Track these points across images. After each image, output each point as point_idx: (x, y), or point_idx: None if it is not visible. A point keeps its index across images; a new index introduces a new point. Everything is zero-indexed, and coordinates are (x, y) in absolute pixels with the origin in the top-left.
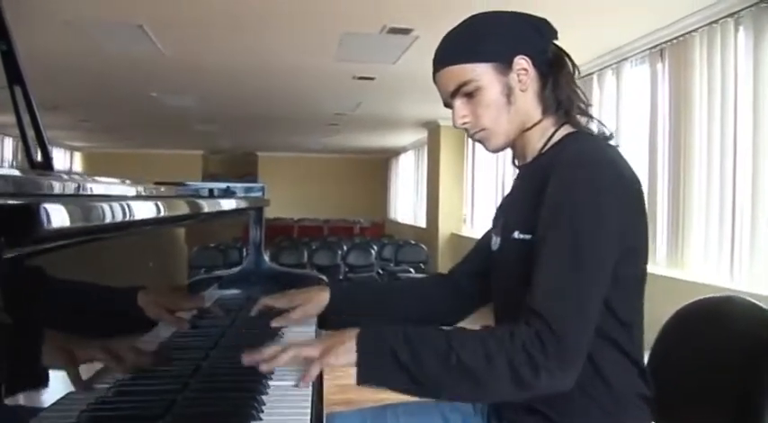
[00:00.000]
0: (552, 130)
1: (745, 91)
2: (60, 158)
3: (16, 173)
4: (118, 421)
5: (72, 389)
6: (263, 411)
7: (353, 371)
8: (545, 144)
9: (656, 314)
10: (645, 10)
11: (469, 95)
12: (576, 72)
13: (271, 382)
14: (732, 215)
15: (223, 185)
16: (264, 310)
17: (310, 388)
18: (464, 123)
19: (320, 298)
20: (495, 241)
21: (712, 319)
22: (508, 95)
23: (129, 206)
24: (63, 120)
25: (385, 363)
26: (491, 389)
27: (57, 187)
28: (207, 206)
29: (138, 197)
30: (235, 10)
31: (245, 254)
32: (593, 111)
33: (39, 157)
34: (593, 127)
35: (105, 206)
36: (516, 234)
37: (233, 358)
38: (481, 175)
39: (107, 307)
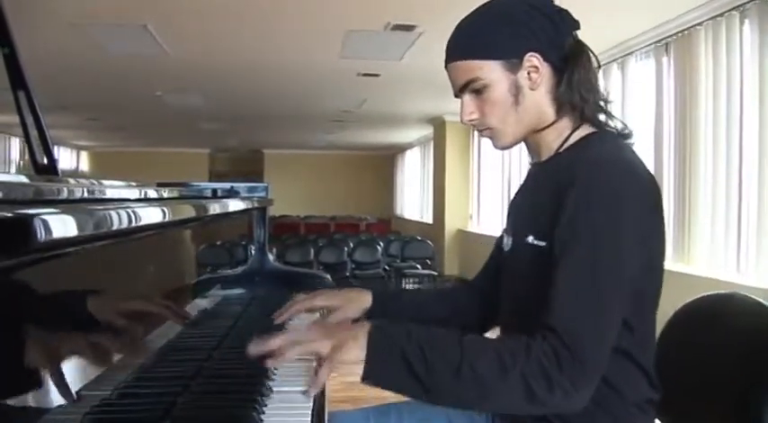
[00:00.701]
0: (569, 130)
1: (750, 84)
2: (67, 158)
3: (22, 179)
4: None
5: (75, 391)
6: (263, 413)
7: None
8: (562, 144)
9: (663, 309)
10: (649, 3)
11: (478, 92)
12: (597, 65)
13: (273, 384)
14: (738, 209)
15: (227, 185)
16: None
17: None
18: (471, 120)
19: (361, 301)
20: (507, 242)
21: (714, 316)
22: (516, 94)
23: (131, 213)
24: (69, 120)
25: (393, 363)
26: (501, 402)
27: (60, 193)
28: (210, 208)
29: (141, 200)
30: (239, 9)
31: (250, 253)
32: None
33: (44, 160)
34: (613, 122)
35: (106, 214)
36: (530, 239)
37: (235, 359)
38: (487, 171)
39: (111, 309)
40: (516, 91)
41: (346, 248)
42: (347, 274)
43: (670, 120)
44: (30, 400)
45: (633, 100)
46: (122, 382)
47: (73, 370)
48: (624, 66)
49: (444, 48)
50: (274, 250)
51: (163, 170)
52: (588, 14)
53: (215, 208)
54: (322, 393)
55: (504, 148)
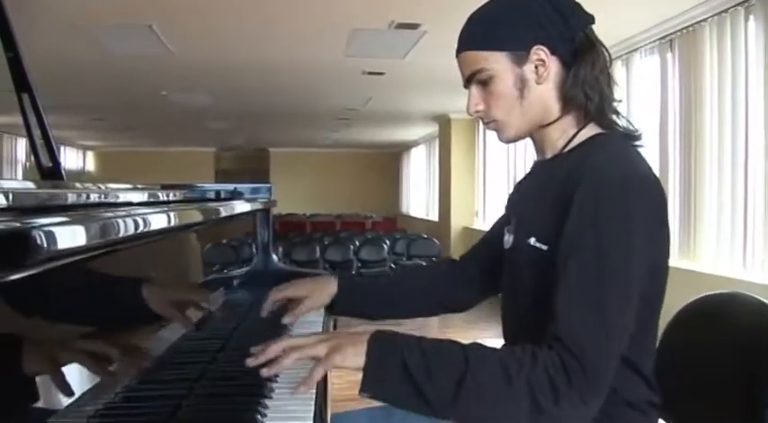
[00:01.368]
0: (574, 129)
1: (756, 80)
2: (73, 158)
3: (28, 185)
4: None
5: (79, 394)
6: (266, 416)
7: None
8: (566, 144)
9: (668, 306)
10: (653, 0)
11: (484, 83)
12: (608, 61)
13: (275, 386)
14: (744, 206)
15: (230, 187)
16: (275, 310)
17: (314, 389)
18: (476, 112)
19: (327, 288)
20: (508, 240)
21: (716, 316)
22: (521, 88)
23: (136, 221)
24: (75, 120)
25: (393, 372)
26: (506, 414)
27: (65, 200)
28: (213, 212)
29: (145, 204)
30: (243, 8)
31: (254, 253)
32: None
33: (48, 163)
34: (620, 121)
35: (110, 223)
36: (533, 241)
37: (240, 361)
38: (493, 168)
39: (115, 312)
40: (522, 84)
41: (352, 247)
42: (353, 272)
43: (675, 116)
44: (33, 404)
45: (638, 97)
46: (126, 385)
47: (77, 373)
48: (629, 63)
49: (448, 46)
50: (280, 249)
51: (169, 169)
52: (592, 11)
53: (219, 211)
54: (324, 395)
55: (508, 142)
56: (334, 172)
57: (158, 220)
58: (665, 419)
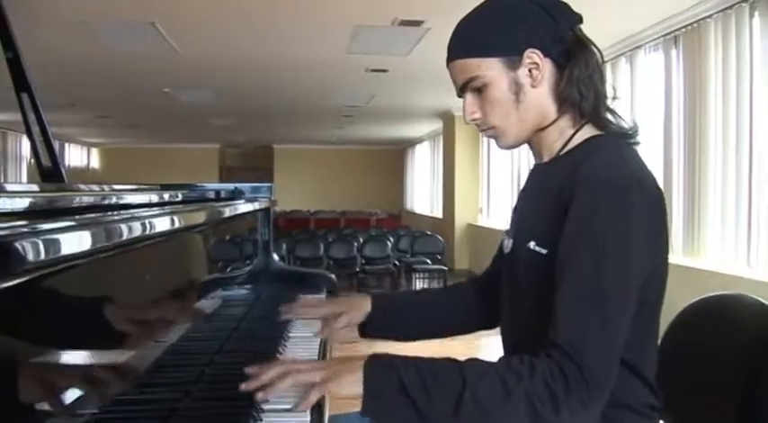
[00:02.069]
0: (571, 130)
1: (760, 77)
2: (78, 155)
3: (33, 188)
4: None
5: (73, 399)
6: (261, 420)
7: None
8: (564, 146)
9: (672, 305)
10: None
11: (479, 91)
12: (601, 60)
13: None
14: (748, 203)
15: (231, 186)
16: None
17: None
18: (473, 119)
19: (362, 307)
20: (508, 244)
21: (717, 317)
22: (516, 93)
23: (133, 225)
24: (79, 117)
25: (391, 395)
26: None
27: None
28: (212, 214)
29: (144, 206)
30: (245, 5)
31: (255, 253)
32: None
33: (49, 163)
34: (616, 120)
35: (103, 229)
36: (532, 244)
37: (236, 365)
38: (497, 165)
39: (117, 317)
40: (517, 89)
41: (356, 244)
42: (357, 269)
43: (679, 113)
44: (29, 408)
45: (642, 93)
46: (121, 389)
47: (70, 378)
48: (633, 59)
49: None
50: (284, 246)
51: (173, 166)
52: (596, 8)
53: (219, 214)
54: (320, 401)
55: (508, 148)
56: (338, 169)
57: (164, 223)
58: (665, 421)
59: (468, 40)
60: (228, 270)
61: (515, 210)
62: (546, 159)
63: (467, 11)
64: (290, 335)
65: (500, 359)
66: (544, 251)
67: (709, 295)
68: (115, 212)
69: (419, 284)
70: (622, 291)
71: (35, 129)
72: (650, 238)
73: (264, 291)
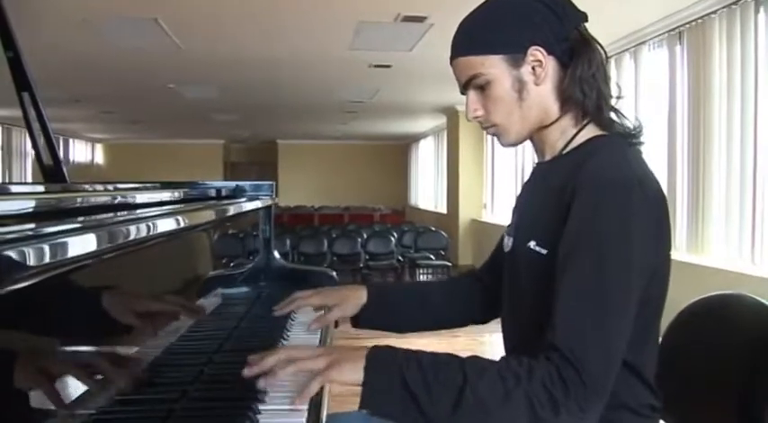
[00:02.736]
0: (573, 129)
1: (765, 73)
2: (82, 151)
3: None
4: None
5: (72, 399)
6: (257, 421)
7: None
8: (566, 145)
9: (677, 302)
10: None
11: (481, 88)
12: (604, 59)
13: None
14: (753, 200)
15: (232, 184)
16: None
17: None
18: (476, 117)
19: (357, 297)
20: (508, 243)
21: (717, 316)
22: (519, 90)
23: (133, 229)
24: (84, 112)
25: (392, 388)
26: None
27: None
28: (215, 214)
29: (145, 205)
30: (249, 0)
31: (256, 250)
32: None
33: (50, 161)
34: (620, 119)
35: (107, 232)
36: (532, 244)
37: (235, 363)
38: (501, 161)
39: (109, 319)
40: (520, 86)
41: (360, 239)
42: (361, 265)
43: (683, 109)
44: (27, 409)
45: (646, 89)
46: (120, 388)
47: (69, 378)
48: (637, 55)
49: None
50: (288, 242)
51: (178, 162)
52: (601, 3)
53: (220, 213)
54: (319, 396)
55: (510, 146)
56: (342, 164)
57: (169, 224)
58: (665, 421)
59: (472, 38)
60: (229, 268)
61: (516, 208)
62: (548, 158)
63: (470, 7)
64: (290, 334)
65: (501, 359)
66: (544, 251)
67: (709, 295)
68: (118, 214)
69: (423, 280)
70: (623, 292)
71: (36, 127)
72: (652, 238)
73: (265, 289)
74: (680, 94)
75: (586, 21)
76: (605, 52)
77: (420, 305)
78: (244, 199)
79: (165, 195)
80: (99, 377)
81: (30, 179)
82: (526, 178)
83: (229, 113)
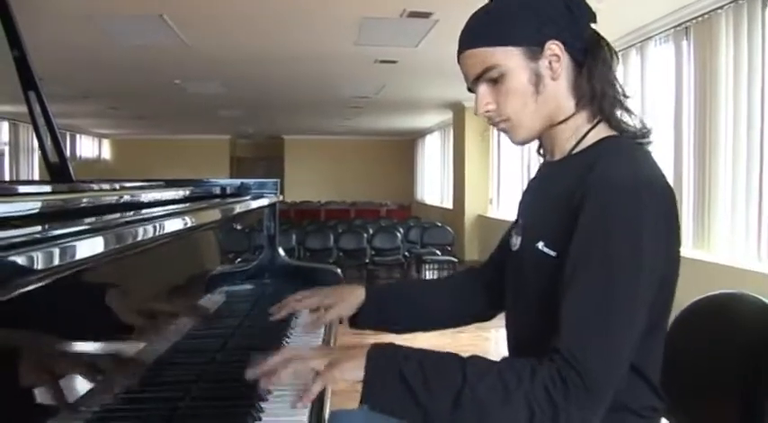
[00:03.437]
0: (585, 128)
1: None
2: (89, 146)
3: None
4: None
5: (76, 397)
6: (260, 419)
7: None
8: (575, 145)
9: (682, 298)
10: None
11: (494, 81)
12: (615, 59)
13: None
14: (759, 196)
15: (237, 182)
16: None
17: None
18: (487, 111)
19: (354, 297)
20: (516, 242)
21: (720, 315)
22: (536, 84)
23: (139, 230)
24: (90, 108)
25: (392, 384)
26: None
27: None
28: (220, 213)
29: (150, 205)
30: None
31: (258, 245)
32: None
33: (56, 159)
34: (631, 119)
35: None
36: (540, 245)
37: (237, 362)
38: (507, 156)
39: (112, 318)
40: (537, 80)
41: (366, 235)
42: (367, 260)
43: (690, 105)
44: (31, 407)
45: (652, 85)
46: (125, 387)
47: (74, 376)
48: (643, 50)
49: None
50: (294, 237)
51: (184, 157)
52: None
53: (225, 212)
54: (322, 394)
55: (520, 143)
56: (348, 159)
57: (171, 224)
58: (667, 419)
59: (487, 29)
60: (234, 265)
61: (522, 206)
62: (557, 158)
63: (476, 3)
64: (293, 333)
65: (502, 360)
66: (553, 253)
67: (711, 293)
68: (125, 214)
69: (429, 276)
70: (631, 298)
71: (42, 125)
72: (661, 243)
73: (269, 286)
74: (686, 90)
75: (595, 20)
76: (616, 53)
77: (419, 305)
78: (248, 197)
79: (171, 194)
80: (105, 376)
81: (36, 175)
82: (532, 174)
83: (235, 109)
